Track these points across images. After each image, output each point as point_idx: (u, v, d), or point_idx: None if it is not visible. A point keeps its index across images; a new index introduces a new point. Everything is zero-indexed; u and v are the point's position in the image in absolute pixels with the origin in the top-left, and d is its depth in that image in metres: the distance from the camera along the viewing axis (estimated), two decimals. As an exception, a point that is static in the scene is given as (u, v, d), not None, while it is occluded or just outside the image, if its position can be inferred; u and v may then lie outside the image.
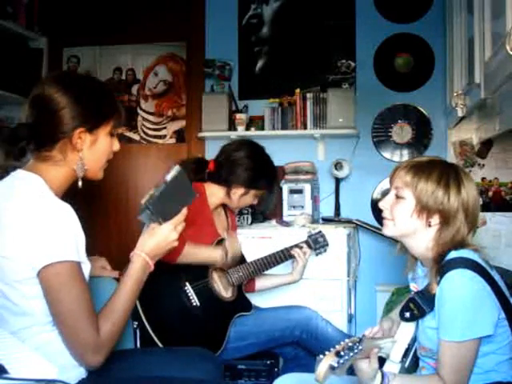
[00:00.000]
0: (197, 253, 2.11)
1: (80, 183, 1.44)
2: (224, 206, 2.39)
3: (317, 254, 2.46)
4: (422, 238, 1.46)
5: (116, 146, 1.51)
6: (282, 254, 2.34)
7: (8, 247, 1.31)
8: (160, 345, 1.97)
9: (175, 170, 1.46)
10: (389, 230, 1.51)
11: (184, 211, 1.50)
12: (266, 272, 2.35)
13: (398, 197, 1.48)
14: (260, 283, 2.41)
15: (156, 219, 1.44)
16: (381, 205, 1.53)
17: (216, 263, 2.16)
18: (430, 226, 1.44)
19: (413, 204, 1.45)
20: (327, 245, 2.47)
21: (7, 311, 1.34)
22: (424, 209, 1.44)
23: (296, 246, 2.36)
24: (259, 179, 2.28)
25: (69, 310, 1.30)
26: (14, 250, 1.30)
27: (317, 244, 2.43)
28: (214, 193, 2.29)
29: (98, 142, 1.45)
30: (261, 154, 2.34)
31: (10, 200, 1.35)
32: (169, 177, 1.44)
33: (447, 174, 1.44)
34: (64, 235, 1.30)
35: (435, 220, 1.44)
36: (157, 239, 1.46)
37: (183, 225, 1.51)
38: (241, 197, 2.29)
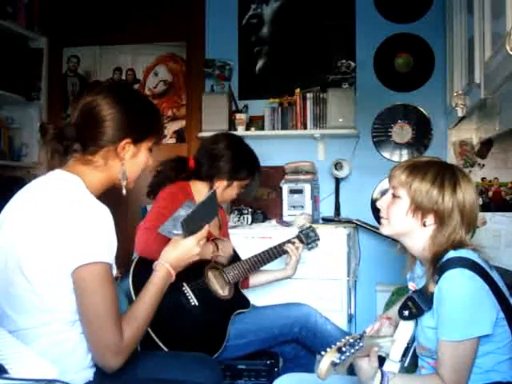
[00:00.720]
0: None
1: (124, 191, 1.51)
2: None
3: (309, 249, 2.45)
4: (418, 237, 1.46)
5: (151, 161, 1.57)
6: (276, 250, 2.35)
7: (44, 245, 1.32)
8: (161, 345, 1.97)
9: (211, 192, 1.62)
10: (385, 228, 1.53)
11: (206, 227, 1.60)
12: (260, 268, 2.35)
13: (394, 196, 1.49)
14: (254, 279, 2.40)
15: (183, 234, 1.55)
16: (378, 204, 1.54)
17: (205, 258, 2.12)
18: (424, 225, 1.44)
19: (408, 203, 1.45)
20: (318, 239, 2.45)
21: (32, 305, 1.35)
22: (418, 208, 1.44)
23: (288, 241, 2.36)
24: (241, 169, 2.26)
25: (97, 310, 1.32)
26: (51, 248, 1.31)
27: (308, 239, 2.42)
28: (200, 190, 2.26)
29: (139, 154, 1.51)
30: (239, 143, 2.33)
31: (48, 198, 1.37)
32: (204, 198, 1.60)
33: (443, 174, 1.44)
34: (101, 236, 1.33)
35: (430, 220, 1.44)
36: (180, 251, 1.55)
37: (205, 240, 1.60)
38: (224, 189, 2.26)
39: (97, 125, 1.43)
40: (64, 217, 1.32)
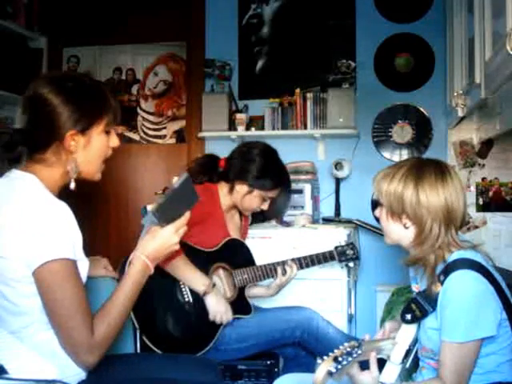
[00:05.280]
0: (185, 270, 2.03)
1: (73, 185, 1.43)
2: (239, 210, 2.36)
3: (342, 267, 2.48)
4: (407, 241, 1.48)
5: (114, 142, 1.49)
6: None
7: (5, 247, 1.31)
8: (144, 338, 1.96)
9: (183, 177, 1.48)
10: (385, 239, 1.56)
11: (187, 215, 1.49)
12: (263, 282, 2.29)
13: (380, 205, 1.51)
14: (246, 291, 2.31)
15: (159, 223, 1.45)
16: (375, 216, 1.57)
17: (198, 291, 2.05)
18: (406, 227, 1.46)
19: (386, 208, 1.48)
20: (357, 258, 2.37)
21: (5, 311, 1.34)
22: (393, 210, 1.45)
23: (284, 262, 2.26)
24: (265, 179, 2.23)
25: (63, 308, 1.30)
26: (11, 249, 1.30)
27: (343, 256, 2.33)
28: (225, 193, 2.26)
29: (92, 142, 1.43)
30: (272, 155, 2.32)
31: (6, 199, 1.35)
32: (177, 184, 1.46)
33: (406, 174, 1.44)
34: (59, 233, 1.30)
35: (405, 220, 1.45)
36: (158, 242, 1.45)
37: (185, 228, 1.50)
38: (244, 196, 2.24)
39: (39, 121, 1.39)
40: (19, 218, 1.30)
